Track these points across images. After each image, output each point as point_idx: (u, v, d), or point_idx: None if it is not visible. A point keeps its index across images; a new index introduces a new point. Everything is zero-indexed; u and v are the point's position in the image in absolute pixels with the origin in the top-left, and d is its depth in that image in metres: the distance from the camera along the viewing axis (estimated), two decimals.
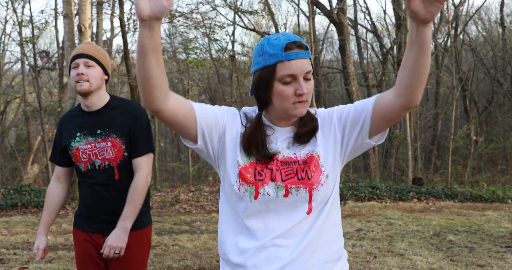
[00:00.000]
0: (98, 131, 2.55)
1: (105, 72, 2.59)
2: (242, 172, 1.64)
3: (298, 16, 31.96)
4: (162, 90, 1.52)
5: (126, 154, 2.55)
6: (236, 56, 18.94)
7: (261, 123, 1.70)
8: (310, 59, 1.65)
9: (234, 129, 1.70)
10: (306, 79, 1.64)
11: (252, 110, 1.78)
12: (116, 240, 2.45)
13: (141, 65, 1.46)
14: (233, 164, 1.66)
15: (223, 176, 1.71)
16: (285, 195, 1.63)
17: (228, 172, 1.67)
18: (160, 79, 1.49)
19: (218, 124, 1.67)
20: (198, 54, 16.44)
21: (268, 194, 1.63)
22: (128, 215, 2.48)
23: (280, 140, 1.71)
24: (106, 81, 2.63)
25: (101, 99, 2.58)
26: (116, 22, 16.38)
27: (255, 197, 1.63)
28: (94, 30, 14.16)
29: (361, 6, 25.18)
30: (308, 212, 1.65)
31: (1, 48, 20.95)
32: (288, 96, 1.61)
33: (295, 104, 1.62)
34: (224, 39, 29.52)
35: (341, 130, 1.69)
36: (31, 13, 21.51)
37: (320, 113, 1.77)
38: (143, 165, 2.53)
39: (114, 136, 2.54)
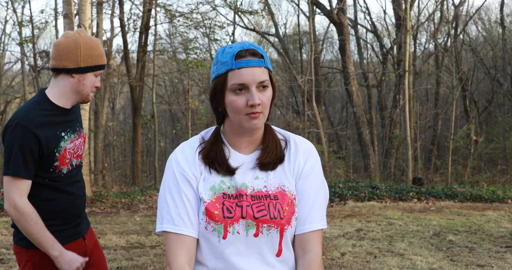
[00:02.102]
0: (77, 128, 2.37)
1: None
2: (209, 209, 1.50)
3: (298, 16, 31.98)
4: None
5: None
6: None
7: (218, 138, 1.59)
8: (267, 68, 1.53)
9: (196, 172, 1.55)
10: (261, 89, 1.51)
11: (209, 130, 1.65)
12: None
13: None
14: (196, 200, 1.53)
15: None
16: (256, 235, 1.50)
17: (196, 209, 1.54)
18: None
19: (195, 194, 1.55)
20: (198, 54, 16.45)
21: (237, 232, 1.49)
22: None
23: (244, 168, 1.56)
24: None
25: None
26: (116, 22, 16.40)
27: (224, 237, 1.49)
28: (94, 30, 14.18)
29: (361, 6, 25.21)
30: (278, 255, 1.53)
31: (1, 48, 20.97)
32: (239, 107, 1.49)
33: (248, 116, 1.50)
34: (224, 39, 29.44)
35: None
36: (31, 13, 21.57)
37: (299, 145, 1.62)
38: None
39: (82, 130, 2.43)
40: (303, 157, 1.59)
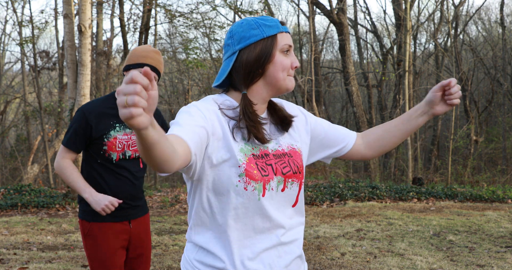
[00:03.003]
0: None
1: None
2: (249, 170, 1.56)
3: (298, 16, 31.99)
4: (176, 161, 1.34)
5: None
6: None
7: (251, 104, 1.63)
8: None
9: (217, 128, 1.56)
10: None
11: (223, 98, 1.66)
12: None
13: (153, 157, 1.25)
14: (232, 164, 1.55)
15: (208, 181, 1.56)
16: (282, 189, 1.63)
17: (224, 174, 1.55)
18: (172, 157, 1.30)
19: (204, 140, 1.50)
20: (198, 54, 16.45)
21: (272, 189, 1.61)
22: None
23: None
24: None
25: None
26: (116, 22, 16.42)
27: (263, 194, 1.59)
28: (94, 30, 14.18)
29: (361, 6, 25.22)
30: (294, 205, 1.69)
31: (1, 48, 20.97)
32: (287, 66, 1.63)
33: (289, 77, 1.65)
34: (224, 39, 29.50)
35: (310, 140, 1.79)
36: (31, 13, 21.49)
37: (288, 105, 1.80)
38: None
39: None
40: (302, 114, 1.80)
